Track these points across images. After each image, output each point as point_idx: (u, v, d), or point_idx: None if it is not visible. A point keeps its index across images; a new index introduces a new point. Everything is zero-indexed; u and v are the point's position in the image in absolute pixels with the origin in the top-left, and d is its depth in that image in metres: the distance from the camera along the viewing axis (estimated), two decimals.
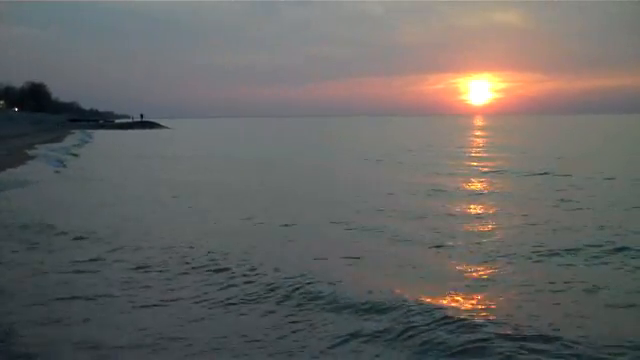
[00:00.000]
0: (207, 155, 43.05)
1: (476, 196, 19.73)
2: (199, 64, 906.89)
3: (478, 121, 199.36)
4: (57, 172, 28.06)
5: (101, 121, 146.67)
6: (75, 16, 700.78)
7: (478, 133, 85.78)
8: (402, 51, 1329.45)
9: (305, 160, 37.78)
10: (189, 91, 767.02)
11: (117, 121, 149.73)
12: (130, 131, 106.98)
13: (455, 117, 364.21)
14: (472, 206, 17.55)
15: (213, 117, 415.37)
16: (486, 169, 29.35)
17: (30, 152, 37.66)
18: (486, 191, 21.11)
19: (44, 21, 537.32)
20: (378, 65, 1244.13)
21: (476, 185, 22.94)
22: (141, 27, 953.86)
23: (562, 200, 17.95)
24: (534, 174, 25.81)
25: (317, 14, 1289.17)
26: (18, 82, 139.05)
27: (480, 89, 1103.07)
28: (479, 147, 50.64)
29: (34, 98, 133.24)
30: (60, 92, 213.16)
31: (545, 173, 25.84)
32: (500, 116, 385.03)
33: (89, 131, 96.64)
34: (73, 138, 66.36)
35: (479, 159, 36.25)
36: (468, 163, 33.26)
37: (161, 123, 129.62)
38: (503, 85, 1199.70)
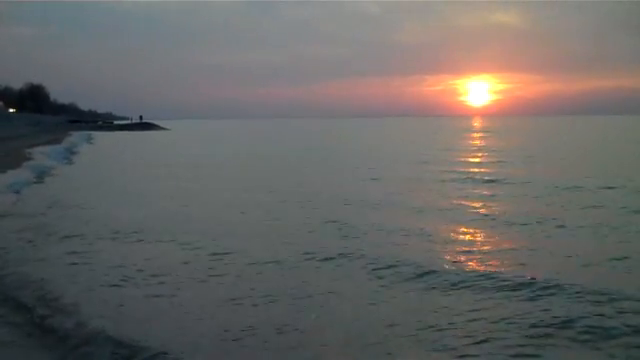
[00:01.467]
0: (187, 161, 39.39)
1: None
2: (199, 64, 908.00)
3: (475, 122, 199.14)
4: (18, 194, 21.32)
5: (100, 122, 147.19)
6: (73, 16, 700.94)
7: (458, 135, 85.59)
8: (401, 51, 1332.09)
9: (263, 165, 35.10)
10: (189, 92, 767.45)
11: (116, 122, 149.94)
12: (129, 132, 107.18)
13: (454, 118, 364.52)
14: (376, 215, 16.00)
15: (213, 118, 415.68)
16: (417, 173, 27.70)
17: (27, 154, 37.60)
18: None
19: (42, 21, 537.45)
20: (377, 65, 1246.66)
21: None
22: (139, 27, 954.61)
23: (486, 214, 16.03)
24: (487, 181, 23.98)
25: (315, 14, 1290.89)
26: (15, 82, 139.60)
27: (479, 90, 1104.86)
28: (446, 149, 48.22)
29: (33, 99, 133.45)
30: (58, 93, 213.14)
31: (493, 180, 23.94)
32: (499, 118, 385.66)
33: (88, 132, 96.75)
34: (71, 140, 66.17)
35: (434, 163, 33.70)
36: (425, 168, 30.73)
37: (160, 124, 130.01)
38: (502, 86, 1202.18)
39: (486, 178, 24.69)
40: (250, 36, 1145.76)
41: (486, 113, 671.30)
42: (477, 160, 36.26)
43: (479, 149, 47.82)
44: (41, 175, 27.71)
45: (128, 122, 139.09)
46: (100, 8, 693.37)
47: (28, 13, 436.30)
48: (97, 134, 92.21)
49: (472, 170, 28.62)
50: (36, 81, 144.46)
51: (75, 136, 78.48)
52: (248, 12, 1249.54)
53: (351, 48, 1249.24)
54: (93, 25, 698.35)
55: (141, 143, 69.07)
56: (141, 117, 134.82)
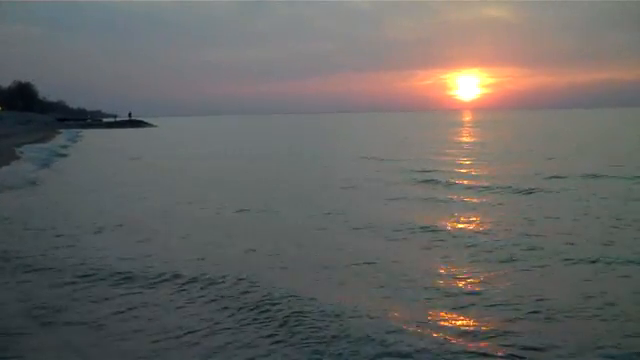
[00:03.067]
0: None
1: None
2: (189, 62, 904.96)
3: (465, 117, 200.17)
4: None
5: (88, 120, 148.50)
6: (62, 15, 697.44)
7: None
8: (391, 46, 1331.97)
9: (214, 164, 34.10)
10: (180, 89, 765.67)
11: (105, 120, 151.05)
12: (118, 130, 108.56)
13: (444, 113, 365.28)
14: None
15: (205, 115, 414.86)
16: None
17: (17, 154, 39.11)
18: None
19: (29, 19, 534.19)
20: (368, 60, 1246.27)
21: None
22: (128, 24, 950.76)
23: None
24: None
25: (309, 11, 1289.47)
26: (3, 81, 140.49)
27: (469, 84, 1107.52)
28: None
29: (21, 98, 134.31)
30: (46, 92, 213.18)
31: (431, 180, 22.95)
32: (488, 111, 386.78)
33: (77, 130, 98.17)
34: (57, 140, 67.38)
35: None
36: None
37: (149, 122, 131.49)
38: (492, 80, 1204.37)
39: (426, 178, 23.42)
40: (242, 33, 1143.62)
41: (476, 107, 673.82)
42: (439, 160, 33.02)
43: (452, 146, 46.54)
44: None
45: (117, 119, 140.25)
46: (91, 7, 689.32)
47: (17, 12, 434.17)
48: (85, 133, 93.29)
49: (416, 169, 26.94)
50: (24, 80, 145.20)
51: (63, 135, 79.98)
52: (242, 9, 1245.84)
53: (342, 44, 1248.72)
54: (81, 24, 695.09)
55: (126, 141, 70.28)
56: (130, 114, 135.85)
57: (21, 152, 40.56)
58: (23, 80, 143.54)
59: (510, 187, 20.03)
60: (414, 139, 57.23)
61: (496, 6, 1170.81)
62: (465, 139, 56.70)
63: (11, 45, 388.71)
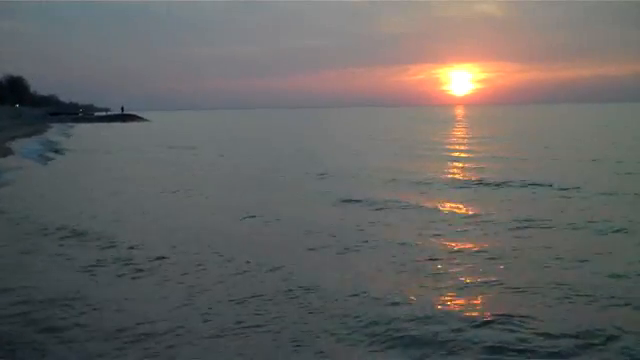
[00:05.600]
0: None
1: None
2: (183, 56, 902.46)
3: (447, 112, 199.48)
4: None
5: (80, 114, 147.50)
6: (53, 9, 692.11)
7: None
8: (384, 41, 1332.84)
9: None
10: (175, 83, 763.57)
11: (97, 114, 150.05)
12: (109, 124, 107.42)
13: (436, 108, 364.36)
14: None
15: (199, 109, 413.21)
16: None
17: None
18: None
19: (22, 14, 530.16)
20: (361, 56, 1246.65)
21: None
22: (123, 19, 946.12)
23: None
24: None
25: (301, 6, 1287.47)
26: None
27: (461, 79, 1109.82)
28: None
29: (12, 92, 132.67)
30: (37, 85, 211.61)
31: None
32: (479, 107, 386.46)
33: (64, 126, 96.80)
34: (50, 134, 66.42)
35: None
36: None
37: (143, 116, 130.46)
38: (484, 75, 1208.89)
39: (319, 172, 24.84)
40: (237, 28, 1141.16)
41: (469, 102, 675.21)
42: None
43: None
44: None
45: (108, 114, 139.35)
46: (83, 2, 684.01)
47: (9, 7, 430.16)
48: (76, 127, 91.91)
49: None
50: (16, 74, 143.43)
51: (53, 129, 79.12)
52: (235, 4, 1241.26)
53: (335, 39, 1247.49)
54: (73, 18, 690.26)
55: (116, 138, 69.48)
56: (122, 108, 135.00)
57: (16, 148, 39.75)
58: (15, 74, 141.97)
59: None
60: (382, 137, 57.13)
61: (488, 2, 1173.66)
62: (429, 138, 54.90)
63: (2, 39, 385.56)
